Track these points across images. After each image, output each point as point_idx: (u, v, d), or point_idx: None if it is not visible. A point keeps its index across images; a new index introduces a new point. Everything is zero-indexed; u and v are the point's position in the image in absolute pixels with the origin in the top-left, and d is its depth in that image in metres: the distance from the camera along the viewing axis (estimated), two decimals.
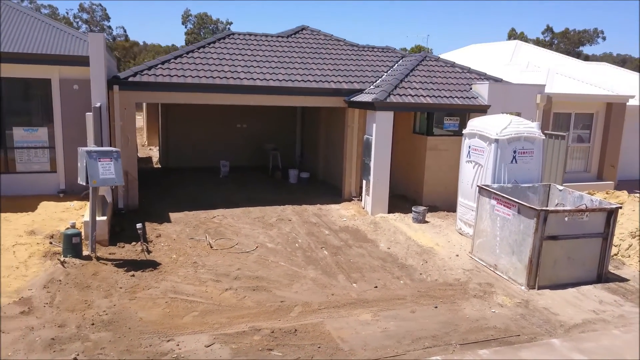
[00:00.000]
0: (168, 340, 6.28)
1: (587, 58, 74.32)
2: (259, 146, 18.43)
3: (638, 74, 21.04)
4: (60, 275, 7.67)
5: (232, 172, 16.89)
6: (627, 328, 7.13)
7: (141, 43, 77.62)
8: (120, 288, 7.65)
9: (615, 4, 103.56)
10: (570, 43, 74.24)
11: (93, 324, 6.49)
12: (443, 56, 24.12)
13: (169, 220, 11.34)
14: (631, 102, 16.39)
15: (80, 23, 72.58)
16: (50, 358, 5.65)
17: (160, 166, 18.59)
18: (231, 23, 76.51)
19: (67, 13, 73.75)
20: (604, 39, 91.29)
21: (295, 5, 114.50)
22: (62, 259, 8.08)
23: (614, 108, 15.81)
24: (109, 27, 74.96)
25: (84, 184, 8.20)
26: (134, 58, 64.16)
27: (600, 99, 15.75)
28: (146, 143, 24.33)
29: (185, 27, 73.71)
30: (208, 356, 5.99)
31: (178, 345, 6.20)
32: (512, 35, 74.40)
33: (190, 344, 6.24)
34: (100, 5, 73.60)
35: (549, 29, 75.22)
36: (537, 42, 72.86)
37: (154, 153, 21.77)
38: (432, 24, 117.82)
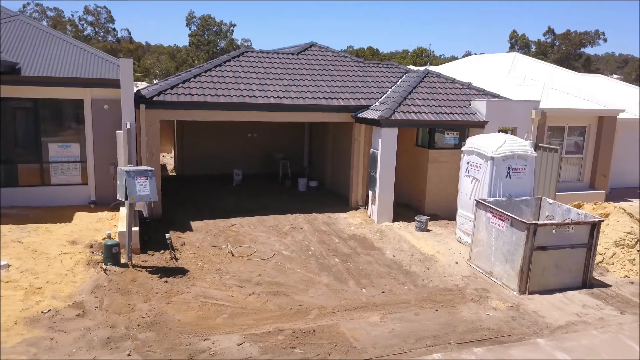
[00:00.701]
0: (204, 340, 7.26)
1: (588, 59, 75.13)
2: (269, 155, 19.41)
3: (630, 85, 21.97)
4: (104, 281, 8.66)
5: (244, 180, 17.85)
6: (605, 329, 8.09)
7: (144, 43, 78.72)
8: (157, 293, 8.63)
9: (616, 4, 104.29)
10: (571, 44, 74.98)
11: (139, 325, 7.47)
12: (445, 66, 25.12)
13: (191, 229, 12.31)
14: (622, 115, 17.33)
15: (85, 25, 73.81)
16: (109, 354, 6.64)
17: (175, 174, 19.59)
18: (234, 25, 77.47)
19: (73, 15, 74.71)
20: (605, 40, 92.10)
21: (296, 5, 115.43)
22: (104, 267, 9.08)
23: (605, 121, 16.76)
24: (114, 29, 76.18)
25: (124, 200, 9.18)
26: (138, 60, 65.29)
27: (592, 113, 16.71)
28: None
29: (190, 28, 74.62)
30: (240, 353, 6.96)
31: (213, 343, 7.17)
32: (514, 37, 75.31)
33: (223, 342, 7.21)
34: (105, 7, 74.75)
35: (550, 31, 76.06)
36: (539, 44, 73.76)
37: (167, 160, 22.76)
38: (434, 24, 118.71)
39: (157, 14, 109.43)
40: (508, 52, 70.66)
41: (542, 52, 71.50)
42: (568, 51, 74.44)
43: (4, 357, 6.32)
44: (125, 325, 7.41)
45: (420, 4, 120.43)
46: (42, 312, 7.46)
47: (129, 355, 6.67)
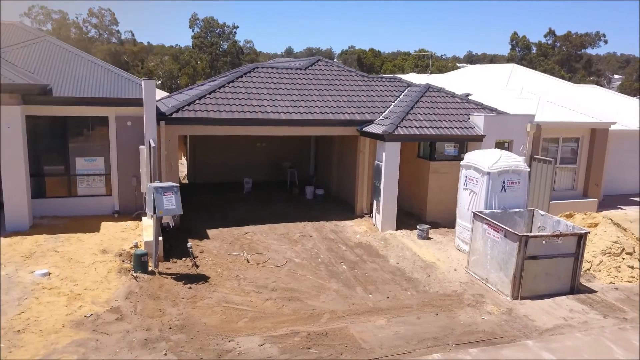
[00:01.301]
0: (229, 341, 8.15)
1: (589, 60, 75.75)
2: (277, 164, 20.32)
3: (623, 95, 22.83)
4: (136, 288, 9.57)
5: (254, 188, 18.72)
6: (588, 332, 8.98)
7: (146, 44, 79.56)
8: (183, 298, 9.52)
9: (616, 5, 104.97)
10: (572, 46, 75.54)
11: (170, 328, 8.37)
12: (446, 75, 26.00)
13: (207, 237, 13.21)
14: (614, 127, 18.20)
15: (89, 27, 74.69)
16: (149, 354, 7.54)
17: (188, 181, 20.51)
18: (237, 27, 78.12)
19: (77, 18, 75.51)
20: (605, 42, 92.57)
21: (297, 6, 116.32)
22: (134, 274, 9.98)
23: (598, 133, 17.63)
24: (117, 31, 76.93)
25: (152, 214, 10.08)
26: (141, 62, 66.12)
27: (585, 125, 17.58)
28: None
29: (193, 30, 75.24)
30: (262, 353, 7.85)
31: (238, 344, 8.06)
32: (515, 38, 75.95)
33: (246, 344, 8.10)
34: (109, 9, 75.54)
35: (551, 32, 76.63)
36: (540, 46, 74.41)
37: (178, 167, 23.65)
38: (434, 24, 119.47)
39: (159, 14, 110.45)
40: (509, 52, 71.35)
41: (543, 53, 72.09)
42: (569, 52, 75.04)
43: (58, 356, 7.24)
44: (158, 328, 8.31)
45: (421, 4, 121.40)
46: (85, 316, 8.37)
47: (165, 355, 7.57)
